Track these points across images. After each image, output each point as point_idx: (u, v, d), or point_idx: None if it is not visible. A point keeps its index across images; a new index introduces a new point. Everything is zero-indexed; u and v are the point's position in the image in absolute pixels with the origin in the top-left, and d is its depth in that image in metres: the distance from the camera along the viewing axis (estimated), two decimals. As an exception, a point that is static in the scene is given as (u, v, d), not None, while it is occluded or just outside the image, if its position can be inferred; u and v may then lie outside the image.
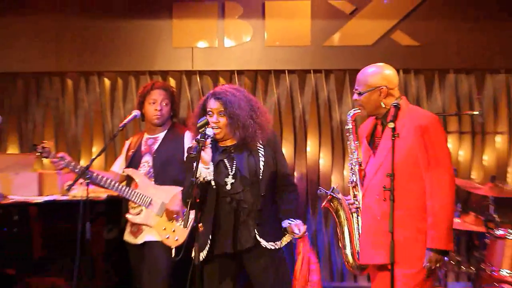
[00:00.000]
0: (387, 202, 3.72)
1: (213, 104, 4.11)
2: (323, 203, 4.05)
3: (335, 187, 4.06)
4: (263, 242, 4.10)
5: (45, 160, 5.24)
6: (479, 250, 5.44)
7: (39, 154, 4.92)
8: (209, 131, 4.01)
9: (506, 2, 6.08)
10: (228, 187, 4.09)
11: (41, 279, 5.27)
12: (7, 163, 5.72)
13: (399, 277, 3.74)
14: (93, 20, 6.24)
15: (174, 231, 4.79)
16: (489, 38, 6.09)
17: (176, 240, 4.77)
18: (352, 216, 3.98)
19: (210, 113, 4.11)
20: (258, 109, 4.19)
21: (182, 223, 4.71)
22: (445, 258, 3.81)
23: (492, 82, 6.20)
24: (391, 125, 3.71)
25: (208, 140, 3.99)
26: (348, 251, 3.97)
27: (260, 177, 4.13)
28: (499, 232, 5.14)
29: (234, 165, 4.13)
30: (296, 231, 4.12)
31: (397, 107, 3.79)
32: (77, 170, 4.86)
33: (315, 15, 6.15)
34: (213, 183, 4.07)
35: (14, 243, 5.21)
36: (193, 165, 3.91)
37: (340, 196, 4.02)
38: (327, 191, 4.04)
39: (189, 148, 3.95)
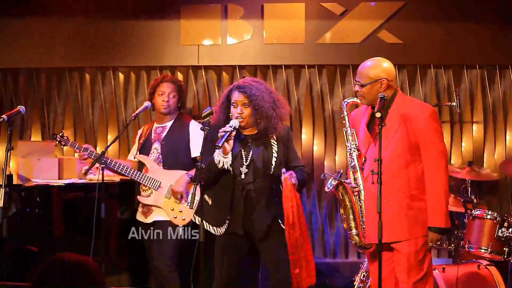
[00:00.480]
0: (385, 185, 3.52)
1: (237, 96, 3.93)
2: (329, 188, 3.80)
3: (341, 172, 3.85)
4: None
5: (64, 148, 5.04)
6: (458, 229, 5.24)
7: (58, 142, 4.77)
8: (235, 123, 3.88)
9: (480, 5, 5.93)
10: (243, 176, 3.95)
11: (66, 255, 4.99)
12: (31, 149, 5.59)
13: (399, 246, 3.65)
14: (108, 21, 6.06)
15: (181, 211, 4.65)
16: (466, 37, 5.94)
17: (183, 219, 4.64)
18: (355, 199, 3.82)
19: (234, 104, 3.95)
20: (278, 101, 4.04)
21: (189, 204, 4.51)
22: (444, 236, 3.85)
23: (469, 76, 6.03)
24: (378, 114, 3.53)
25: (234, 132, 3.84)
26: (354, 232, 3.80)
27: (271, 172, 3.97)
28: (477, 212, 4.98)
29: (250, 156, 3.97)
30: (282, 175, 3.88)
31: (383, 99, 3.61)
32: (93, 156, 4.71)
33: (309, 16, 5.98)
34: (231, 168, 3.93)
35: (37, 222, 5.10)
36: (205, 147, 3.76)
37: (345, 180, 3.85)
38: (335, 177, 3.80)
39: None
